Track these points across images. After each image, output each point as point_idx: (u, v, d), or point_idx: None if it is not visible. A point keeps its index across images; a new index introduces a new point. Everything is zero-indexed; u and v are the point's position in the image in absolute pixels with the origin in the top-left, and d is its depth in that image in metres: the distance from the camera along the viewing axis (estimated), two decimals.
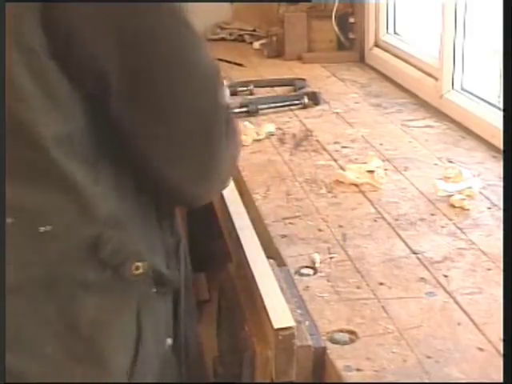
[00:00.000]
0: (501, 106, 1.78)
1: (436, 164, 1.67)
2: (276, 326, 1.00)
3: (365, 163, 1.62)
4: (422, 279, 1.18)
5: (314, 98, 2.14)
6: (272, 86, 2.33)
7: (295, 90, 2.27)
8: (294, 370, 1.01)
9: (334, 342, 1.03)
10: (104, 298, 0.94)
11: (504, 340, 0.96)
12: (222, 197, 1.40)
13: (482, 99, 1.90)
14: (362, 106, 2.14)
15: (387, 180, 1.57)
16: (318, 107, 2.12)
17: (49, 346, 0.92)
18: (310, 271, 1.22)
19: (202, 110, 0.97)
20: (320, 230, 1.36)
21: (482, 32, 2.08)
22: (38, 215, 0.89)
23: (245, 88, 2.27)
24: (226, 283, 1.20)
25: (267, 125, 1.90)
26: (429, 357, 0.99)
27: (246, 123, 1.90)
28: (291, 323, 1.00)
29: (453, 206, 1.44)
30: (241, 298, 1.14)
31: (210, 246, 2.88)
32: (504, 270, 1.05)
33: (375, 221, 1.40)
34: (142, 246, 0.98)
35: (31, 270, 0.90)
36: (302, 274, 1.21)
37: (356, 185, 1.55)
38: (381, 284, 1.17)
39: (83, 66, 0.86)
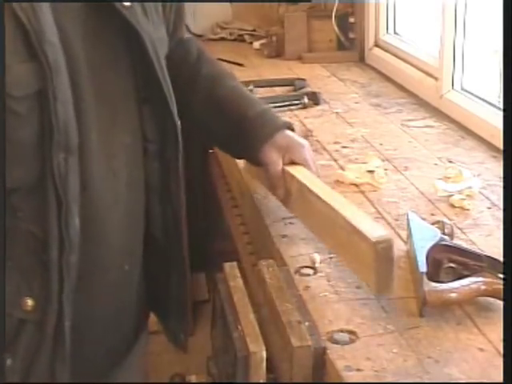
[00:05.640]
0: (501, 106, 1.78)
1: (436, 164, 1.67)
2: (373, 239, 1.07)
3: (365, 163, 1.62)
4: None
5: (314, 98, 2.14)
6: (272, 86, 2.33)
7: (295, 90, 2.27)
8: (294, 369, 1.01)
9: (334, 342, 1.03)
10: None
11: (504, 340, 0.96)
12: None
13: (482, 99, 1.90)
14: (362, 105, 2.14)
15: (387, 180, 1.57)
16: (318, 107, 2.11)
17: None
18: (310, 271, 1.22)
19: None
20: None
21: (482, 32, 2.08)
22: None
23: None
24: (221, 283, 1.20)
25: None
26: (429, 357, 0.99)
27: None
28: (386, 233, 1.09)
29: (453, 205, 1.44)
30: (235, 298, 1.14)
31: (210, 246, 2.88)
32: (504, 271, 1.05)
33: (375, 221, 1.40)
34: None
35: None
36: (302, 274, 1.21)
37: (356, 185, 1.55)
38: None
39: None
